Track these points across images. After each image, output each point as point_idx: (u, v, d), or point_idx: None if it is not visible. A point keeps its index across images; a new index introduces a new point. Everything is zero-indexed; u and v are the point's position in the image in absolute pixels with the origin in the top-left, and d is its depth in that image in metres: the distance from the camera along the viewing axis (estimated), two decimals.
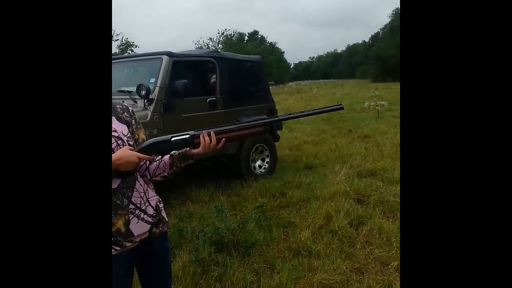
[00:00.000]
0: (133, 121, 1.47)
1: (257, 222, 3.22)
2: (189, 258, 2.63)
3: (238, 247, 2.81)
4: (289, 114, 1.45)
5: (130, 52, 26.69)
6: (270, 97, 5.50)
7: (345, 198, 3.77)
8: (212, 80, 4.86)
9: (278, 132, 5.67)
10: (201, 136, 1.37)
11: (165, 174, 1.45)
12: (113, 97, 1.38)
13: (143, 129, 1.51)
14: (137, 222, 1.37)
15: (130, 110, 1.49)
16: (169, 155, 1.44)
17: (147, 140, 1.41)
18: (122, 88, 3.98)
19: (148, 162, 1.45)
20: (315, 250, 2.77)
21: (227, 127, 1.40)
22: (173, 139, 1.38)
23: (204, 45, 34.24)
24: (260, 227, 3.21)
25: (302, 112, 1.45)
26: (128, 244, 1.36)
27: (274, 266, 2.62)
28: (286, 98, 19.01)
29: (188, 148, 1.41)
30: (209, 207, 3.70)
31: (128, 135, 1.41)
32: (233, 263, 2.59)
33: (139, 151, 1.34)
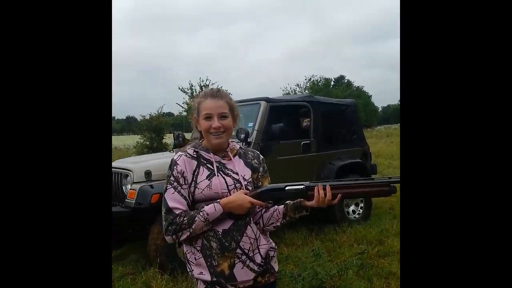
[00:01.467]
0: (261, 168, 1.50)
1: (358, 270, 3.06)
2: None
3: None
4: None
5: None
6: (364, 140, 5.39)
7: None
8: (304, 123, 4.95)
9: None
10: (315, 188, 1.31)
11: (278, 224, 1.43)
12: None
13: (268, 178, 1.51)
14: (242, 268, 1.35)
15: (261, 159, 1.53)
16: (283, 205, 1.42)
17: None
18: None
19: (263, 210, 1.45)
20: None
21: (346, 182, 1.33)
22: (287, 188, 1.36)
23: (292, 91, 35.14)
24: (359, 275, 3.05)
25: None
26: None
27: None
28: (375, 142, 18.33)
29: (302, 199, 1.36)
30: (303, 251, 3.63)
31: (249, 180, 1.44)
32: None
33: (253, 196, 1.35)
